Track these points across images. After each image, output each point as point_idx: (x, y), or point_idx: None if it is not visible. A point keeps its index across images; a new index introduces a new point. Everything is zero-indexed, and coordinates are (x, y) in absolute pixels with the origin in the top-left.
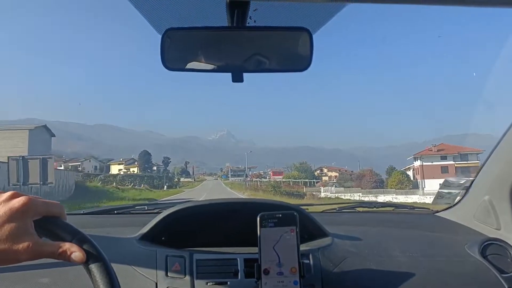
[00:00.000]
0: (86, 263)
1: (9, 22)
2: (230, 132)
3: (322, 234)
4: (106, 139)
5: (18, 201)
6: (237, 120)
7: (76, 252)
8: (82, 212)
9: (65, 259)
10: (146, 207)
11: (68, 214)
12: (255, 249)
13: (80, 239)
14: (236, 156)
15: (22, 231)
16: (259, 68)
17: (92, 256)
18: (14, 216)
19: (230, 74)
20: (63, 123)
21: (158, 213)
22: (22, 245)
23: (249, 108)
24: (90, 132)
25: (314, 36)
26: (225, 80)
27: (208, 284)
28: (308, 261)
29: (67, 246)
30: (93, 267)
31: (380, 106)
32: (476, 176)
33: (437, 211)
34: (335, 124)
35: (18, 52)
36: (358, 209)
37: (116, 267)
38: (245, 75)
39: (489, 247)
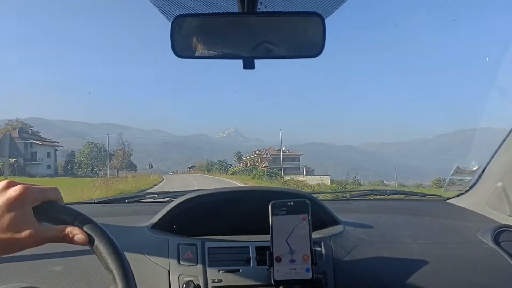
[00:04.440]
0: (90, 243)
1: (8, 17)
2: (238, 130)
3: (334, 222)
4: (111, 138)
5: (14, 190)
6: (245, 118)
7: (78, 234)
8: (93, 201)
9: (68, 242)
10: (156, 195)
11: (78, 203)
12: (267, 237)
13: (81, 220)
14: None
15: (22, 219)
16: (271, 55)
17: (96, 235)
18: (12, 205)
19: (241, 64)
20: (66, 122)
21: (169, 201)
22: (24, 233)
23: (257, 105)
24: (94, 131)
25: (326, 21)
26: (231, 77)
27: (220, 271)
28: (320, 249)
29: (69, 228)
30: (98, 245)
31: (391, 99)
32: (488, 163)
33: (449, 198)
34: (345, 119)
35: (19, 47)
36: (368, 196)
37: (128, 255)
38: (255, 66)
39: (502, 233)
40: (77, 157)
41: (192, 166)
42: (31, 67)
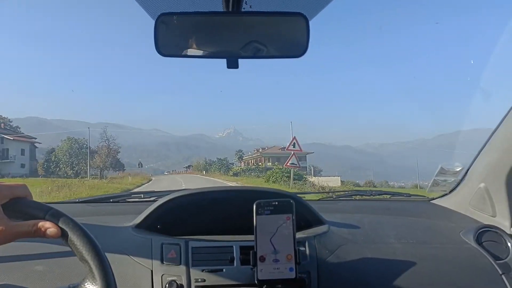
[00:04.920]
0: (63, 236)
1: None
2: (237, 130)
3: (319, 221)
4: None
5: None
6: (244, 118)
7: (51, 228)
8: (77, 200)
9: (41, 236)
10: (142, 195)
11: (62, 203)
12: (251, 237)
13: (52, 214)
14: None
15: None
16: (255, 54)
17: (68, 228)
18: None
19: (225, 62)
20: (64, 121)
21: (153, 201)
22: None
23: (256, 105)
24: (92, 131)
25: (310, 22)
26: (231, 77)
27: (204, 271)
28: (304, 249)
29: (41, 223)
30: (72, 237)
31: (387, 100)
32: (471, 164)
33: (433, 199)
34: (344, 120)
35: (17, 49)
36: (354, 197)
37: (112, 255)
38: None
39: (484, 234)
40: (56, 155)
41: (189, 166)
42: (30, 67)
